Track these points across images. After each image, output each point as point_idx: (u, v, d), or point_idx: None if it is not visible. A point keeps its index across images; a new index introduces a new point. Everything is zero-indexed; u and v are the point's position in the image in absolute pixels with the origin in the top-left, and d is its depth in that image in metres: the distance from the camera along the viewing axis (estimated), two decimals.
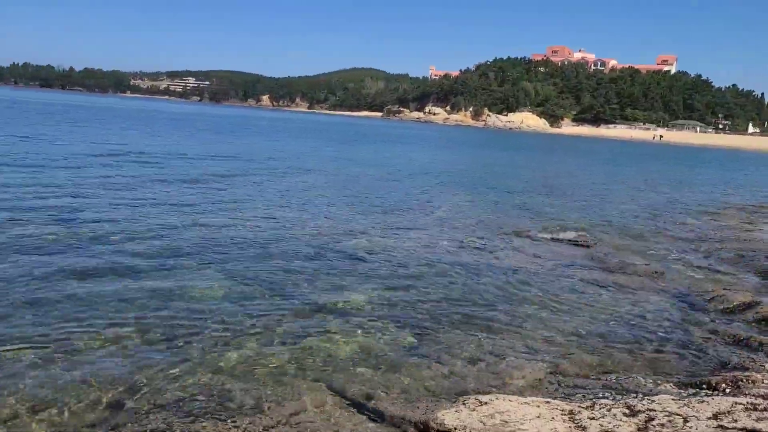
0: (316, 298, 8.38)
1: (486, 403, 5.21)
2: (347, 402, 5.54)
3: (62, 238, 10.35)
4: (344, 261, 10.51)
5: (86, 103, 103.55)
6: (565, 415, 4.94)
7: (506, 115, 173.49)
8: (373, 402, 5.58)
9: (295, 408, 5.32)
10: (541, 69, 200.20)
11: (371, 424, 5.16)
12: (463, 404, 5.25)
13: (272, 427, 4.93)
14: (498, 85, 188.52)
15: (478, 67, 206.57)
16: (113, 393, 5.28)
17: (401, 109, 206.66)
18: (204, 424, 4.88)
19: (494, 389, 5.91)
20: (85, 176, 18.14)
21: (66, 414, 4.90)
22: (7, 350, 5.91)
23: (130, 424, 4.82)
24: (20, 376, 5.44)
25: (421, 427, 5.07)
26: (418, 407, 5.47)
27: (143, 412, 5.01)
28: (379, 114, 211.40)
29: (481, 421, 4.84)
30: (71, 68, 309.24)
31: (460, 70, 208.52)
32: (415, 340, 7.18)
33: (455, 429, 4.85)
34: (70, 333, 6.44)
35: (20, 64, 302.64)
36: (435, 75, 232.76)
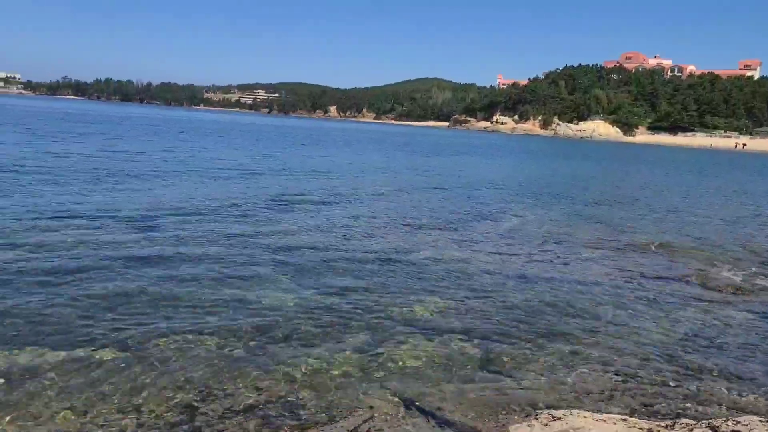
0: (386, 308, 8.41)
1: (559, 418, 5.08)
2: (417, 412, 5.52)
3: (144, 245, 10.83)
4: (413, 272, 10.51)
5: (181, 118, 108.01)
6: None
7: (577, 124, 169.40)
8: (443, 413, 5.54)
9: (365, 417, 5.35)
10: (614, 76, 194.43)
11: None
12: (536, 419, 5.14)
13: None
14: (568, 93, 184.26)
15: (547, 75, 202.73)
16: (188, 397, 5.45)
17: (468, 119, 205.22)
18: (276, 429, 4.96)
19: (567, 404, 5.75)
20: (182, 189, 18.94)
21: (143, 415, 5.10)
22: (89, 351, 6.21)
23: (204, 429, 4.96)
24: (100, 377, 5.70)
25: None
26: (489, 420, 5.40)
27: (217, 416, 5.15)
28: (446, 124, 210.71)
29: None
30: (149, 83, 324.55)
31: (529, 79, 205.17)
32: (485, 352, 7.09)
33: None
34: (147, 336, 6.70)
35: (103, 80, 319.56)
36: (503, 84, 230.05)
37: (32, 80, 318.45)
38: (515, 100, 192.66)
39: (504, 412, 5.58)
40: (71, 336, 6.55)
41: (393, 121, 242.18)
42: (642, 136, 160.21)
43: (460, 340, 7.43)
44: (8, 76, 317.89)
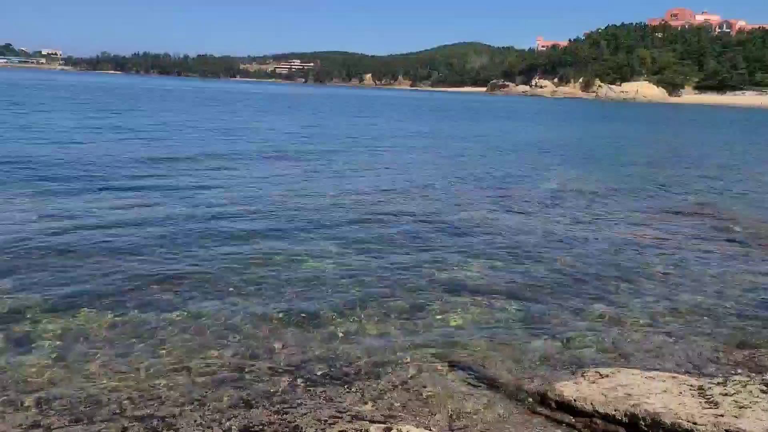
0: (428, 270, 8.40)
1: (607, 375, 5.02)
2: (461, 369, 5.53)
3: (189, 214, 11.04)
4: (455, 234, 10.45)
5: (227, 90, 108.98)
6: (694, 390, 4.66)
7: (619, 85, 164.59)
8: (487, 370, 5.54)
9: (409, 374, 5.38)
10: (659, 34, 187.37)
11: (487, 391, 5.13)
12: (582, 376, 5.10)
13: (388, 391, 5.01)
14: (611, 53, 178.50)
15: (588, 35, 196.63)
16: (235, 356, 5.54)
17: (506, 83, 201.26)
18: (323, 388, 5.03)
19: (614, 363, 5.68)
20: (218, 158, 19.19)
21: (194, 373, 5.21)
22: (138, 316, 6.36)
23: (257, 384, 5.06)
24: (152, 338, 5.84)
25: (539, 397, 4.98)
26: (533, 378, 5.37)
27: (264, 375, 5.23)
28: (483, 89, 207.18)
29: (603, 394, 4.68)
30: (186, 55, 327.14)
31: (570, 40, 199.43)
32: (528, 312, 7.04)
33: (575, 401, 4.73)
34: (189, 302, 6.82)
35: (141, 54, 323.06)
36: (542, 46, 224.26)
37: (73, 56, 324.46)
38: (555, 63, 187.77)
39: (549, 370, 5.54)
40: (116, 299, 6.73)
41: (429, 88, 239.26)
42: (688, 97, 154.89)
43: (503, 300, 7.39)
44: (50, 52, 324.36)
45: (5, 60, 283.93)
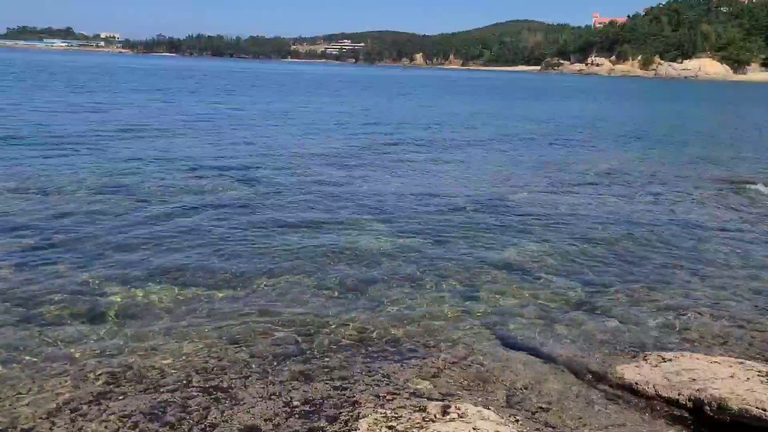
0: (481, 250, 8.35)
1: (670, 359, 4.91)
2: (518, 350, 5.50)
3: (249, 195, 11.26)
4: (509, 215, 10.34)
5: (279, 71, 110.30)
6: (762, 376, 4.51)
7: (680, 63, 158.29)
8: (543, 349, 5.49)
9: (465, 352, 5.38)
10: (724, 9, 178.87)
11: (544, 370, 5.08)
12: (644, 360, 4.99)
13: (445, 369, 5.03)
14: (672, 29, 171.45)
15: (648, 11, 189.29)
16: (292, 333, 5.64)
17: (561, 61, 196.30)
18: (380, 365, 5.07)
19: (677, 346, 5.54)
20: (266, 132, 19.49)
21: (251, 347, 5.34)
22: (202, 291, 6.54)
23: (315, 359, 5.15)
24: (211, 312, 6.00)
25: (598, 378, 4.91)
26: (592, 358, 5.30)
27: (321, 352, 5.31)
28: (537, 68, 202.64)
29: (666, 378, 4.58)
30: (238, 37, 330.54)
31: (628, 16, 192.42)
32: (586, 294, 6.93)
33: (636, 384, 4.64)
34: (249, 279, 6.96)
35: (194, 36, 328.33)
36: (599, 23, 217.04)
37: (130, 39, 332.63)
38: (612, 40, 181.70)
39: (609, 351, 5.45)
40: (179, 275, 6.93)
41: (481, 67, 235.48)
42: (754, 74, 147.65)
43: (560, 280, 7.30)
44: (108, 35, 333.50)
45: (66, 43, 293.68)
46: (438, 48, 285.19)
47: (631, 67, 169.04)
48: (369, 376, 4.83)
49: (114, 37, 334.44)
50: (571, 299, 6.75)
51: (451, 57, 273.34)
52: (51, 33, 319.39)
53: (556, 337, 5.78)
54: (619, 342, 5.70)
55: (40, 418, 4.13)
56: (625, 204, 11.51)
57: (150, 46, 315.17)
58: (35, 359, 4.92)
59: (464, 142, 20.30)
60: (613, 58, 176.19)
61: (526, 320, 6.15)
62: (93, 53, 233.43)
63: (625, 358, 5.24)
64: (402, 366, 5.07)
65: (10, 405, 4.25)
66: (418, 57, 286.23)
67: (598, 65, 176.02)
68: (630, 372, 4.77)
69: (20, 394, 4.40)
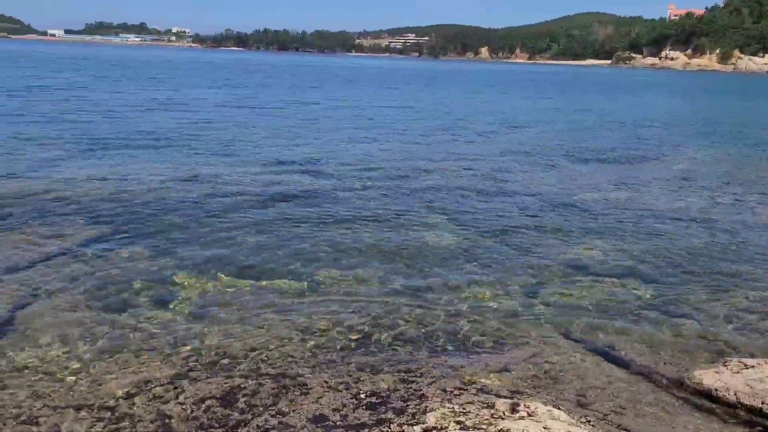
0: (549, 249, 8.18)
1: (752, 366, 4.67)
2: (588, 349, 5.36)
3: (317, 189, 11.42)
4: (577, 213, 10.09)
5: (347, 65, 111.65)
6: None
7: (762, 57, 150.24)
8: (615, 351, 5.33)
9: (534, 350, 5.29)
10: None
11: (616, 372, 4.94)
12: (724, 365, 4.77)
13: (513, 366, 4.95)
14: (754, 21, 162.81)
15: (728, 2, 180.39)
16: (358, 325, 5.68)
17: (632, 55, 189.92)
18: (447, 360, 5.05)
19: (760, 353, 5.27)
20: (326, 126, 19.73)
21: (318, 337, 5.41)
22: (270, 282, 6.67)
23: (382, 352, 5.17)
24: (280, 303, 6.11)
25: (674, 383, 4.73)
26: (667, 362, 5.12)
27: (387, 344, 5.33)
28: (607, 62, 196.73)
29: (749, 385, 4.36)
30: (304, 31, 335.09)
31: (706, 8, 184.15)
32: (659, 295, 6.68)
33: (716, 390, 4.44)
34: (317, 272, 7.03)
35: (261, 31, 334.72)
36: (675, 15, 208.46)
37: (200, 33, 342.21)
38: (688, 33, 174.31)
39: (685, 356, 5.24)
40: (247, 266, 7.09)
41: (548, 61, 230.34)
42: None
43: (631, 282, 7.07)
44: (179, 30, 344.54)
45: (140, 38, 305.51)
46: (504, 41, 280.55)
47: (708, 61, 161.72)
48: (435, 370, 4.82)
49: (184, 32, 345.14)
50: (642, 300, 6.54)
51: (517, 51, 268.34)
52: (126, 28, 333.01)
53: (627, 338, 5.60)
54: (695, 346, 5.48)
55: (121, 398, 4.31)
56: (701, 203, 11.04)
57: (218, 41, 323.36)
58: (114, 342, 5.14)
59: (530, 137, 19.93)
60: (689, 51, 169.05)
61: (595, 320, 5.99)
62: (165, 48, 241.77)
63: (702, 363, 5.03)
64: (468, 361, 5.03)
65: (90, 385, 4.45)
66: (483, 51, 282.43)
67: (672, 59, 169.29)
68: (709, 378, 4.57)
69: (101, 374, 4.60)
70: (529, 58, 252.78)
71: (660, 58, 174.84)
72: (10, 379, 4.45)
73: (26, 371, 4.59)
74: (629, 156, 16.72)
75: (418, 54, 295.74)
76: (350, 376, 4.70)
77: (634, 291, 6.78)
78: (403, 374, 4.74)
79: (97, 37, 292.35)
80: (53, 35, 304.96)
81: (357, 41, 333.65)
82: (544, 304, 6.34)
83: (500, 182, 12.50)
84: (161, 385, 4.47)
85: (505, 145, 17.99)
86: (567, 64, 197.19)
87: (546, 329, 5.74)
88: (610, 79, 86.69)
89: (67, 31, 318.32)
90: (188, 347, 5.11)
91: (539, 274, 7.24)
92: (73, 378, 4.53)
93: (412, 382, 4.62)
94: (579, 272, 7.31)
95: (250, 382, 4.58)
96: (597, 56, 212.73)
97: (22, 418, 4.00)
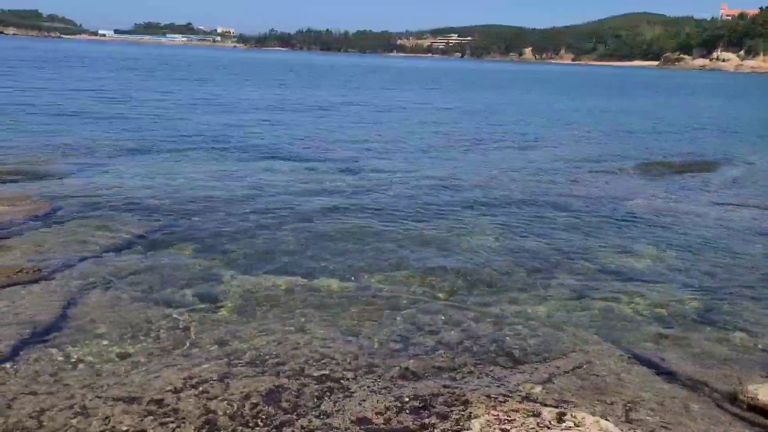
0: (595, 255, 8.03)
1: None
2: (636, 358, 5.24)
3: (360, 189, 11.47)
4: (625, 219, 9.88)
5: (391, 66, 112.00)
6: None
7: None
8: (664, 363, 5.20)
9: (579, 360, 5.19)
10: None
11: (665, 384, 4.81)
12: None
13: (558, 376, 4.87)
14: None
15: None
16: (400, 329, 5.67)
17: (682, 56, 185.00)
18: (491, 367, 4.99)
19: None
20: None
21: (362, 339, 5.42)
22: (311, 283, 6.69)
23: (425, 357, 5.15)
24: (323, 303, 6.15)
25: (726, 397, 4.59)
26: (718, 375, 4.96)
27: (428, 349, 5.30)
28: (655, 63, 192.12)
29: None
30: (346, 31, 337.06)
31: (761, 8, 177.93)
32: (709, 306, 6.49)
33: None
34: (361, 273, 7.05)
35: (304, 30, 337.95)
36: (727, 15, 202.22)
37: (244, 34, 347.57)
38: (742, 33, 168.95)
39: (739, 369, 5.08)
40: (294, 267, 7.15)
41: (594, 62, 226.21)
42: None
43: (682, 291, 6.89)
44: (224, 31, 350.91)
45: (186, 38, 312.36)
46: (548, 42, 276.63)
47: (762, 62, 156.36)
48: (479, 378, 4.78)
49: (229, 32, 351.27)
50: (693, 310, 6.36)
51: (562, 51, 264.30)
52: (173, 28, 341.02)
53: (678, 350, 5.45)
54: (749, 359, 5.30)
55: (168, 391, 4.40)
56: (758, 212, 10.68)
57: (262, 41, 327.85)
58: (162, 338, 5.26)
59: (574, 140, 19.62)
60: (742, 53, 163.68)
61: (643, 330, 5.86)
62: (210, 47, 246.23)
63: (758, 377, 4.86)
64: (512, 369, 4.97)
65: (140, 379, 4.56)
66: (527, 51, 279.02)
67: (724, 60, 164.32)
68: (764, 392, 4.42)
69: (150, 369, 4.71)
70: (573, 59, 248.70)
71: (711, 60, 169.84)
72: (63, 372, 4.59)
73: (80, 364, 4.73)
74: (683, 162, 16.30)
75: (460, 54, 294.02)
76: (393, 380, 4.70)
77: (686, 301, 6.60)
78: (445, 380, 4.72)
79: (146, 37, 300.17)
80: (103, 35, 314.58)
81: (399, 41, 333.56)
82: (592, 311, 6.22)
83: (544, 183, 12.34)
84: (207, 382, 4.55)
85: (547, 146, 17.74)
86: (614, 65, 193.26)
87: (593, 338, 5.63)
88: (659, 81, 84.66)
89: (116, 31, 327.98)
90: (233, 345, 5.19)
91: (587, 280, 7.11)
92: (124, 372, 4.64)
93: (456, 387, 4.59)
94: (628, 280, 7.16)
95: (294, 382, 4.62)
96: (645, 57, 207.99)
97: (75, 410, 4.12)
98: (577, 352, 5.34)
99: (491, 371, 4.90)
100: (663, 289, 6.95)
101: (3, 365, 4.60)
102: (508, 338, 5.55)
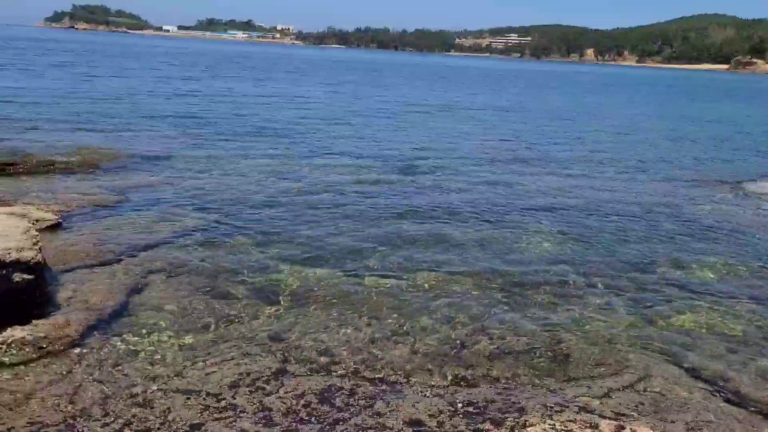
0: (658, 265, 7.77)
1: None
2: (698, 377, 5.04)
3: (419, 188, 11.45)
4: (691, 229, 9.53)
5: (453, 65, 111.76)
6: None
7: None
8: (728, 382, 4.98)
9: (638, 374, 5.02)
10: None
11: (730, 405, 4.61)
12: None
13: (617, 390, 4.73)
14: None
15: None
16: (453, 331, 5.62)
17: (753, 60, 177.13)
18: (547, 377, 4.89)
19: None
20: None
21: (409, 338, 5.40)
22: (365, 281, 6.72)
23: (478, 362, 5.08)
24: (376, 306, 6.12)
25: None
26: None
27: (483, 355, 5.22)
28: (725, 67, 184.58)
29: None
30: (404, 30, 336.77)
31: None
32: None
33: None
34: (417, 273, 7.02)
35: (362, 29, 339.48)
36: None
37: (303, 31, 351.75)
38: None
39: None
40: (347, 264, 7.18)
41: (659, 65, 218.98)
42: None
43: (747, 306, 6.60)
44: (283, 28, 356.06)
45: (247, 35, 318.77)
46: (611, 43, 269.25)
47: None
48: (534, 387, 4.69)
49: (288, 30, 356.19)
50: (762, 329, 6.06)
51: (626, 53, 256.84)
52: (234, 25, 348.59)
53: (744, 370, 5.21)
54: None
55: (225, 385, 4.49)
56: None
57: (320, 38, 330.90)
58: (220, 332, 5.36)
59: (636, 144, 19.04)
60: None
61: (706, 347, 5.63)
62: (270, 44, 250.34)
63: None
64: (569, 379, 4.86)
65: (198, 372, 4.65)
66: (589, 52, 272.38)
67: None
68: None
69: (208, 362, 4.80)
70: (638, 61, 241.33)
71: None
72: (125, 363, 4.73)
73: (140, 354, 4.86)
74: (750, 167, 15.61)
75: (519, 55, 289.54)
76: (445, 385, 4.66)
77: (755, 318, 6.30)
78: (500, 388, 4.65)
79: (207, 33, 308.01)
80: (167, 30, 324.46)
81: (457, 41, 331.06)
82: (654, 326, 6.02)
83: (604, 189, 12.04)
84: (263, 378, 4.62)
85: (608, 150, 17.27)
86: (680, 68, 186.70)
87: (654, 354, 5.44)
88: (733, 86, 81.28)
89: (180, 27, 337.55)
90: (287, 341, 5.24)
91: (647, 291, 6.89)
92: (182, 364, 4.75)
93: (510, 395, 4.52)
94: (693, 294, 6.90)
95: (348, 381, 4.64)
96: (714, 60, 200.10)
97: (137, 400, 4.24)
98: (637, 366, 5.16)
99: (547, 381, 4.80)
100: (731, 304, 6.65)
101: (71, 351, 4.78)
102: (565, 349, 5.42)
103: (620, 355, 5.37)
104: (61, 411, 4.04)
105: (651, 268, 7.70)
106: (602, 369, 5.10)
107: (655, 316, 6.27)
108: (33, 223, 6.02)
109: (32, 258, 5.01)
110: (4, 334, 4.66)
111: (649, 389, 4.80)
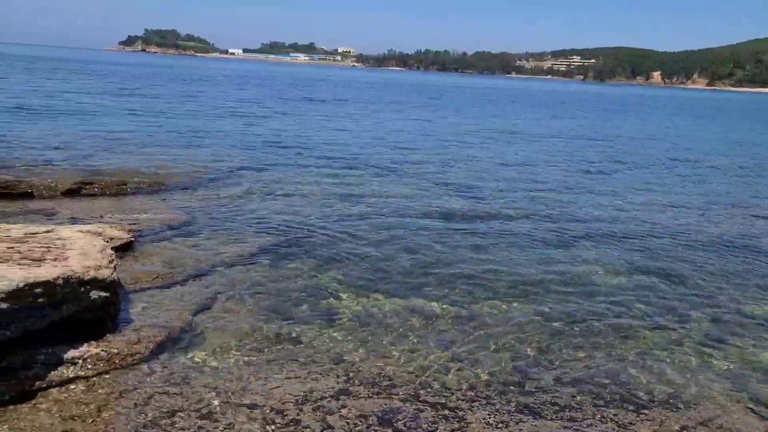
0: (735, 299, 7.42)
1: None
2: None
3: (485, 214, 11.39)
4: (762, 262, 9.08)
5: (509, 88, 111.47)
6: None
7: None
8: None
9: (710, 414, 4.80)
10: None
11: None
12: None
13: (690, 428, 4.53)
14: None
15: None
16: (519, 360, 5.52)
17: None
18: (614, 411, 4.74)
19: None
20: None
21: (468, 368, 5.33)
22: (424, 305, 6.71)
23: (540, 393, 4.96)
24: (436, 330, 6.10)
25: None
26: None
27: (547, 383, 5.11)
28: None
29: None
30: (464, 52, 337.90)
31: None
32: None
33: None
34: (476, 299, 6.96)
35: (422, 51, 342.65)
36: None
37: (363, 53, 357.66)
38: None
39: None
40: (408, 288, 7.17)
41: (730, 88, 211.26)
42: None
43: None
44: (344, 50, 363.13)
45: (309, 57, 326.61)
46: (679, 65, 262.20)
47: None
48: (602, 421, 4.55)
49: (349, 52, 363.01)
50: None
51: (695, 76, 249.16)
52: (296, 48, 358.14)
53: None
54: None
55: (288, 402, 4.55)
56: None
57: (380, 61, 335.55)
58: (282, 351, 5.43)
59: (708, 169, 18.37)
60: None
61: None
62: (332, 67, 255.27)
63: None
64: (639, 416, 4.69)
65: (262, 388, 4.73)
66: (656, 75, 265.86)
67: None
68: None
69: (271, 380, 4.88)
70: (708, 84, 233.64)
71: None
72: (192, 378, 4.85)
73: (206, 370, 4.99)
74: None
75: (582, 77, 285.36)
76: (510, 414, 4.58)
77: None
78: (565, 421, 4.52)
79: (271, 56, 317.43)
80: (233, 53, 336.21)
81: (518, 63, 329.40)
82: (727, 361, 5.75)
83: (673, 216, 11.64)
84: (325, 397, 4.65)
85: (679, 175, 16.73)
86: (754, 92, 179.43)
87: (727, 391, 5.19)
88: None
89: (244, 50, 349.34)
90: (348, 362, 5.27)
91: (721, 326, 6.59)
92: (247, 380, 4.85)
93: (577, 428, 4.39)
94: (760, 326, 6.56)
95: (409, 406, 4.62)
96: None
97: (203, 413, 4.35)
98: (710, 404, 4.94)
99: (615, 415, 4.65)
100: None
101: (141, 366, 4.95)
102: (633, 382, 5.24)
103: (693, 390, 5.15)
104: (132, 421, 4.18)
105: (724, 300, 7.36)
106: (673, 404, 4.90)
107: (731, 350, 5.99)
108: (108, 242, 6.27)
109: (108, 276, 5.21)
110: (80, 349, 4.86)
111: (722, 428, 4.58)
